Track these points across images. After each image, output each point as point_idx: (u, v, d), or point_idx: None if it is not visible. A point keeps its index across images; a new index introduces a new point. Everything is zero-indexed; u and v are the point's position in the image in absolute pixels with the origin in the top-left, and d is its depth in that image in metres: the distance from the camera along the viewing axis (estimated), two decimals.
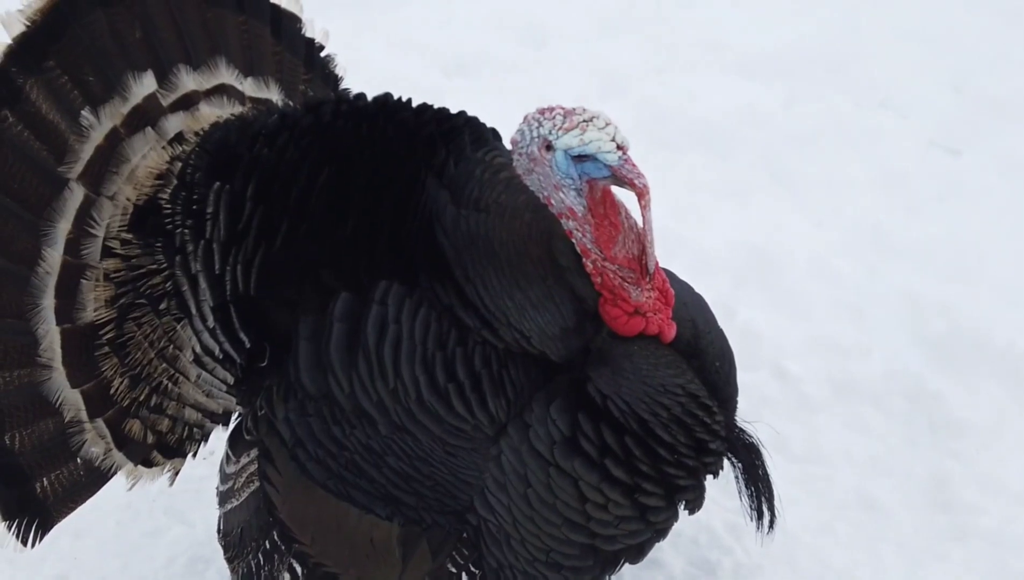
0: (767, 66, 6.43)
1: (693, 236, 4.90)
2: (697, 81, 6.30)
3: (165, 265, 2.60)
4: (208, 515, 3.53)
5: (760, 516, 2.62)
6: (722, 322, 2.64)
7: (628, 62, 6.50)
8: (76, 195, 2.58)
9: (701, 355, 2.46)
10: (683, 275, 2.67)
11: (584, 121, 2.21)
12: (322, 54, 3.18)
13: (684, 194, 5.23)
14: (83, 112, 2.58)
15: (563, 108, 2.26)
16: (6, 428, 2.56)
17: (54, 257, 2.57)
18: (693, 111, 5.96)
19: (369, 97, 2.68)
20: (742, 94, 6.16)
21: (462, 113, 2.65)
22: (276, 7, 3.02)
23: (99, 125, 2.61)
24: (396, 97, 2.67)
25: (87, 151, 2.60)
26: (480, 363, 2.34)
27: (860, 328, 4.49)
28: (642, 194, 2.21)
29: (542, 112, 2.28)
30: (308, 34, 3.13)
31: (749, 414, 2.64)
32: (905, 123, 5.96)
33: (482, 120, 2.68)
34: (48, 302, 2.58)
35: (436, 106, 2.65)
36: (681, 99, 6.07)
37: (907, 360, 4.30)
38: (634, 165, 2.20)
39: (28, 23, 2.52)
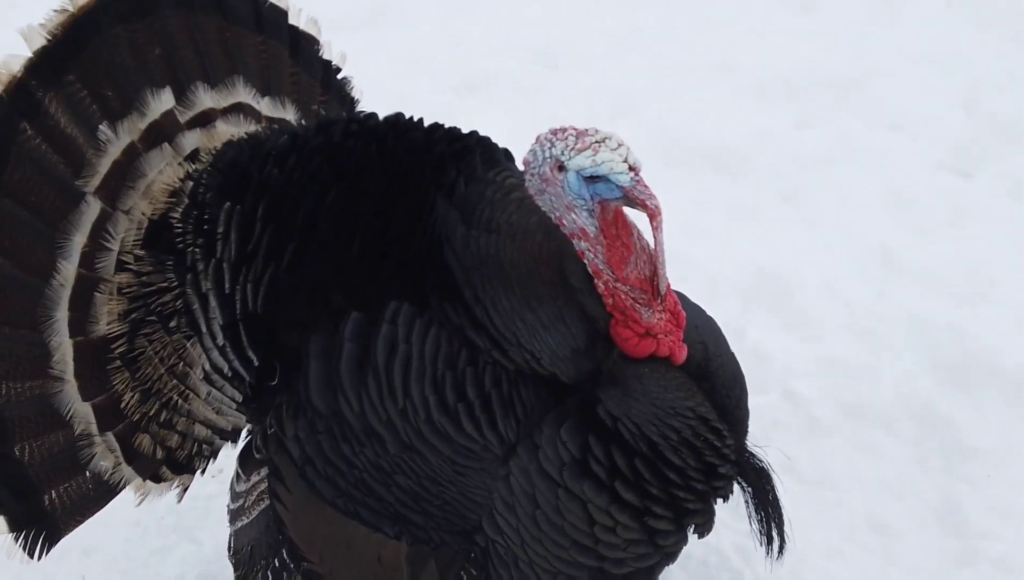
0: (778, 87, 6.44)
1: (703, 257, 4.91)
2: (708, 102, 6.30)
3: (176, 283, 2.61)
4: (217, 533, 3.54)
5: (770, 541, 2.60)
6: (732, 343, 2.63)
7: (639, 82, 6.51)
8: (92, 209, 2.59)
9: (711, 378, 2.45)
10: (693, 296, 2.66)
11: (596, 142, 2.21)
12: (339, 76, 3.19)
13: (694, 214, 5.23)
14: (101, 126, 2.59)
15: (575, 129, 2.26)
16: (16, 439, 2.55)
17: (69, 270, 2.57)
18: (704, 132, 5.96)
19: (381, 117, 2.69)
20: (753, 115, 6.17)
21: (474, 133, 2.65)
22: (295, 28, 3.04)
23: (117, 140, 2.61)
24: (408, 117, 2.67)
25: (104, 165, 2.60)
26: (490, 383, 2.33)
27: (870, 350, 4.48)
28: (654, 215, 2.20)
29: (554, 132, 2.28)
30: (326, 56, 3.15)
31: (758, 436, 2.63)
32: (915, 145, 5.96)
33: (494, 140, 2.68)
34: (62, 314, 2.58)
35: (447, 126, 2.65)
36: (692, 120, 6.07)
37: (917, 383, 4.30)
38: (646, 186, 2.19)
39: (49, 37, 2.53)
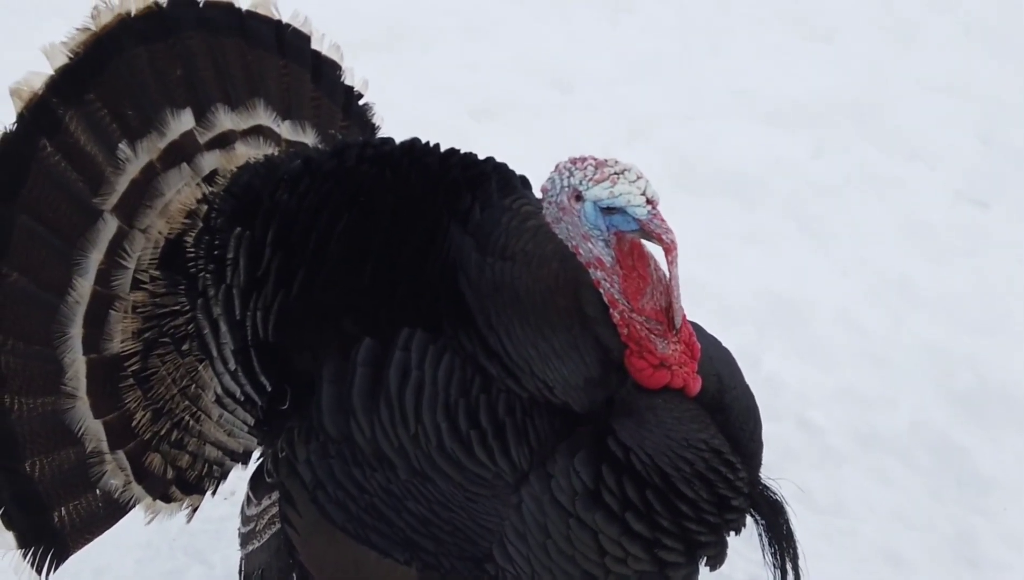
0: (795, 115, 6.44)
1: (717, 283, 4.90)
2: (724, 128, 6.31)
3: (188, 307, 2.61)
4: (228, 555, 3.53)
5: (784, 575, 2.57)
6: (746, 371, 2.62)
7: (655, 108, 6.52)
8: (110, 226, 2.60)
9: (725, 410, 2.43)
10: (707, 322, 2.65)
11: (615, 173, 2.20)
12: (360, 102, 3.20)
13: (709, 241, 5.23)
14: (121, 145, 2.60)
15: (595, 159, 2.25)
16: (27, 455, 2.55)
17: (85, 286, 2.58)
18: (719, 158, 5.97)
19: (397, 141, 2.69)
20: (769, 142, 6.16)
21: (490, 160, 2.65)
22: (317, 53, 3.05)
23: (135, 159, 2.63)
24: (424, 142, 2.67)
25: (123, 183, 2.61)
26: (504, 411, 2.32)
27: (885, 380, 4.46)
28: (669, 249, 2.20)
29: (574, 162, 2.27)
30: (348, 82, 3.16)
31: (772, 464, 2.62)
32: (932, 175, 5.95)
33: (510, 166, 2.68)
34: (76, 331, 2.58)
35: (463, 152, 2.65)
36: (708, 146, 6.08)
37: (933, 413, 4.28)
38: (663, 220, 2.19)
39: (71, 55, 2.55)
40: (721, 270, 5.04)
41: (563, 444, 2.32)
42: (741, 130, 6.30)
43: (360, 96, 3.20)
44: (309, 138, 3.00)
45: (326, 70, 3.09)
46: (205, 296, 2.58)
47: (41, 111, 2.51)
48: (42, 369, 2.56)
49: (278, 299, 2.49)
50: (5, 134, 2.49)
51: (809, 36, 7.45)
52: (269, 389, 2.55)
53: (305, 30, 3.02)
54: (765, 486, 2.54)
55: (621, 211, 2.20)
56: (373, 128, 3.25)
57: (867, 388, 4.40)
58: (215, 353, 2.58)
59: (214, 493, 2.85)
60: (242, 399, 2.60)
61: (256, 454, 2.82)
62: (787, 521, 2.55)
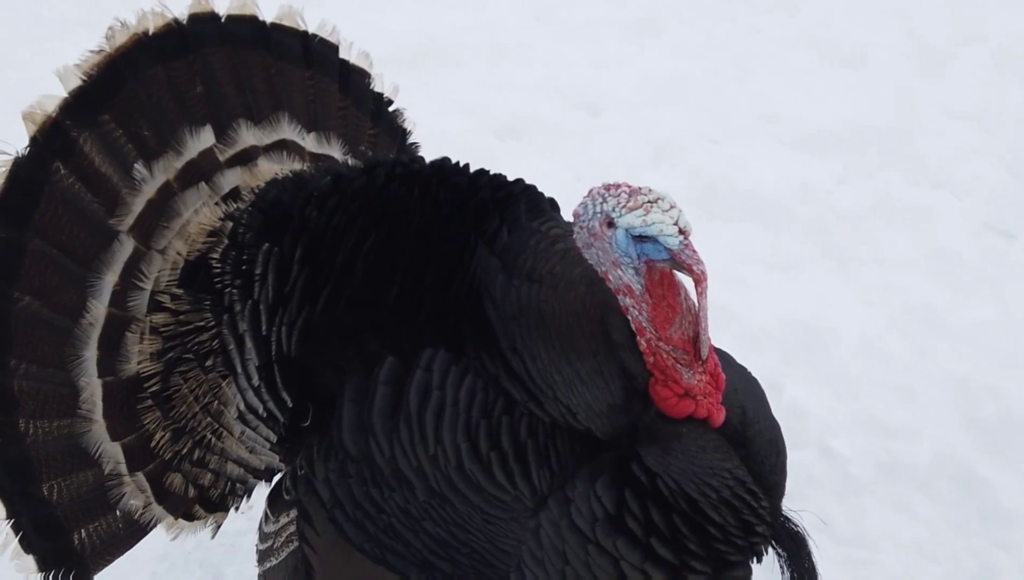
0: (821, 141, 6.41)
1: (740, 309, 4.88)
2: (749, 153, 6.29)
3: (213, 323, 2.61)
4: (244, 570, 3.54)
5: None
6: (768, 398, 2.61)
7: (680, 131, 6.50)
8: (125, 247, 2.60)
9: (748, 444, 2.41)
10: (729, 349, 2.64)
11: (649, 202, 2.19)
12: (390, 109, 3.20)
13: (732, 266, 5.20)
14: (136, 165, 2.61)
15: (629, 186, 2.24)
16: (44, 479, 2.56)
17: (99, 309, 2.59)
18: (744, 183, 5.95)
19: (427, 160, 2.68)
20: (795, 168, 6.14)
21: (519, 181, 2.64)
22: (345, 62, 3.05)
23: (152, 179, 2.63)
24: (454, 162, 2.67)
25: (139, 204, 2.62)
26: (526, 433, 2.30)
27: (908, 410, 4.43)
28: (699, 281, 2.18)
29: (607, 188, 2.26)
30: (377, 89, 3.15)
31: (794, 492, 2.60)
32: (959, 204, 5.91)
33: (539, 188, 2.67)
34: (90, 354, 2.59)
35: (493, 172, 2.64)
36: (733, 170, 6.06)
37: (956, 445, 4.24)
38: (694, 251, 2.17)
39: (85, 78, 2.56)
40: (744, 295, 5.02)
41: (584, 469, 2.30)
42: (766, 155, 6.29)
43: (390, 102, 3.20)
44: (335, 149, 3.00)
45: (354, 79, 3.09)
46: (231, 311, 2.58)
47: (55, 134, 2.53)
48: (56, 392, 2.56)
49: (303, 315, 2.49)
50: (17, 158, 2.50)
51: (837, 62, 7.43)
52: (291, 405, 2.55)
53: (332, 39, 3.02)
54: (787, 517, 2.52)
55: (653, 240, 2.19)
56: (404, 133, 3.25)
57: (890, 418, 4.36)
58: (239, 369, 2.58)
59: (237, 510, 2.85)
60: (264, 416, 2.60)
61: (278, 471, 2.81)
62: (809, 554, 2.53)
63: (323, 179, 2.63)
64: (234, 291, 2.58)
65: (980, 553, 3.81)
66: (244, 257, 2.59)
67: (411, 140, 3.28)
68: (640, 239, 2.21)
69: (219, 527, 2.89)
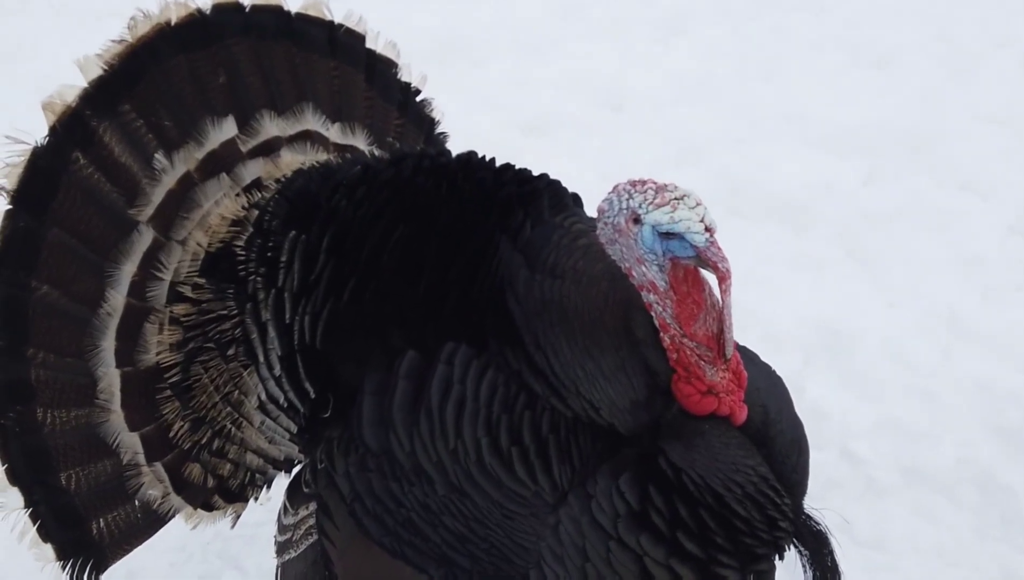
0: (847, 142, 6.37)
1: (765, 308, 4.86)
2: (775, 153, 6.25)
3: (236, 311, 2.61)
4: (262, 562, 3.54)
5: None
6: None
7: (706, 129, 6.48)
8: (144, 238, 2.61)
9: (770, 443, 2.40)
10: (752, 349, 2.62)
11: (676, 198, 2.18)
12: (418, 98, 3.19)
13: (757, 266, 5.19)
14: (156, 156, 2.61)
15: (655, 182, 2.23)
16: (61, 468, 2.57)
17: (118, 299, 2.59)
18: (770, 183, 5.92)
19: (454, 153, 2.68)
20: (821, 168, 6.10)
21: (544, 176, 2.63)
22: (372, 52, 3.05)
23: (172, 169, 2.64)
24: (480, 156, 2.66)
25: (159, 194, 2.62)
26: (548, 428, 2.30)
27: (932, 414, 4.39)
28: (724, 278, 2.17)
29: (633, 184, 2.25)
30: (404, 78, 3.14)
31: (815, 494, 2.58)
32: (986, 207, 5.85)
33: (563, 184, 2.66)
34: (108, 344, 2.60)
35: (518, 167, 2.64)
36: (758, 170, 6.03)
37: (979, 449, 4.20)
38: (720, 248, 2.17)
39: (106, 67, 2.56)
40: (768, 295, 4.99)
41: (605, 466, 2.29)
42: (792, 155, 6.24)
43: (418, 92, 3.19)
44: (360, 140, 3.00)
45: (381, 69, 3.08)
46: (255, 300, 2.58)
47: (74, 124, 2.53)
48: (74, 382, 2.57)
49: (328, 306, 2.48)
50: (36, 148, 2.50)
51: (864, 63, 7.38)
52: (312, 396, 2.55)
53: (359, 29, 3.01)
54: (809, 516, 2.51)
55: (679, 237, 2.18)
56: (432, 122, 3.25)
57: (912, 421, 4.33)
58: (261, 358, 2.58)
59: (256, 500, 2.85)
60: (285, 406, 2.60)
61: (297, 462, 2.81)
62: (831, 553, 2.52)
63: (352, 169, 2.63)
64: (258, 279, 2.58)
65: (1002, 558, 3.78)
66: (270, 244, 2.59)
67: (439, 130, 3.28)
68: (666, 236, 2.20)
69: (238, 518, 2.89)
